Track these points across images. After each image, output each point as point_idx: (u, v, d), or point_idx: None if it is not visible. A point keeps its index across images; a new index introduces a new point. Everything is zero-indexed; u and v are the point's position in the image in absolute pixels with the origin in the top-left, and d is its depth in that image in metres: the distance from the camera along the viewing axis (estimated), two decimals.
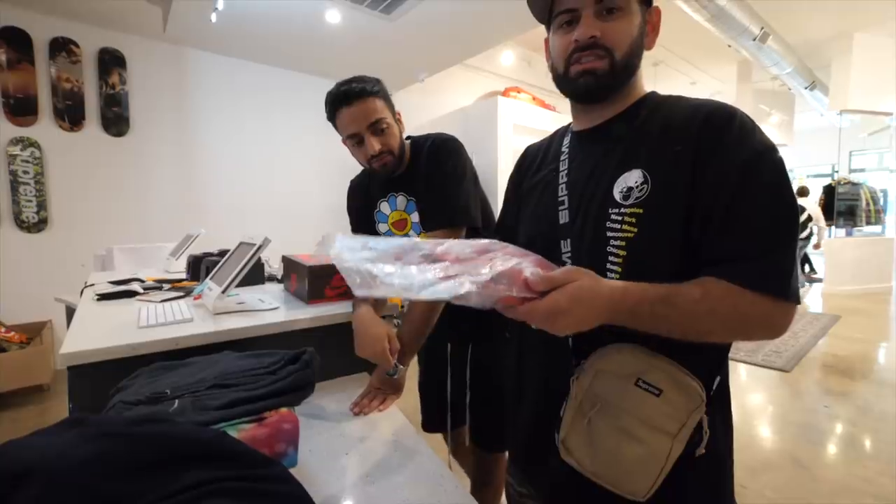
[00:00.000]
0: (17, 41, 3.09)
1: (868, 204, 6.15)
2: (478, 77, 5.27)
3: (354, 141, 1.08)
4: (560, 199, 0.68)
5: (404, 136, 1.16)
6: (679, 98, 0.64)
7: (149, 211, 3.62)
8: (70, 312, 2.33)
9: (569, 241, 0.65)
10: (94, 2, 3.02)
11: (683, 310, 0.52)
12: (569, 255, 0.65)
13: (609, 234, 0.60)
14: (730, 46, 4.37)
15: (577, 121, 0.72)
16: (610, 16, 0.60)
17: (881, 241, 6.21)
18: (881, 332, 4.34)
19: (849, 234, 6.43)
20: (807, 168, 9.38)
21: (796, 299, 0.53)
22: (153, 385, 0.71)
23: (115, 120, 3.46)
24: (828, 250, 6.14)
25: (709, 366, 0.59)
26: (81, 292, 1.67)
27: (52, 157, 3.24)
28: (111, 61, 3.42)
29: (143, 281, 1.61)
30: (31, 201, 3.17)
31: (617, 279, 0.59)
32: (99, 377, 0.84)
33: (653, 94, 0.67)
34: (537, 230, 0.72)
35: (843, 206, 6.17)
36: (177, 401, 0.65)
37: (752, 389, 2.96)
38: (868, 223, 6.23)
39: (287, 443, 0.62)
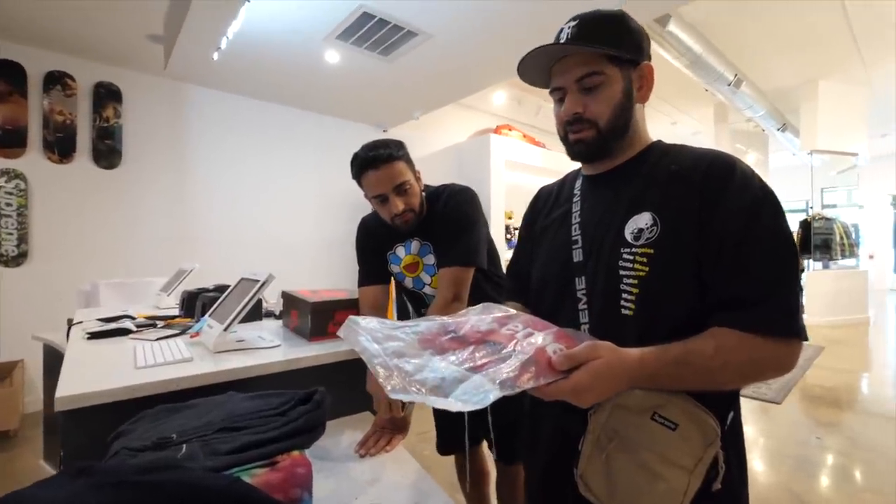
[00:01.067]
0: (11, 74, 3.10)
1: (842, 238, 6.39)
2: (470, 115, 5.43)
3: (379, 200, 1.17)
4: (574, 238, 0.70)
5: (422, 189, 1.26)
6: (683, 147, 0.69)
7: (137, 245, 3.54)
8: (49, 351, 2.23)
9: (583, 278, 0.67)
10: (95, 39, 3.07)
11: (698, 367, 0.55)
12: (583, 291, 0.67)
13: (622, 272, 0.62)
14: (707, 90, 4.64)
15: (586, 168, 0.76)
16: (590, 92, 0.66)
17: (857, 273, 6.44)
18: (862, 362, 4.45)
19: (825, 266, 6.64)
20: (783, 204, 9.77)
21: (804, 336, 0.56)
22: (158, 429, 0.68)
23: (107, 153, 3.44)
24: (808, 283, 6.32)
25: (723, 401, 0.61)
26: (68, 332, 1.61)
27: (37, 189, 3.18)
28: (107, 95, 3.43)
29: (133, 318, 1.57)
30: (11, 234, 3.08)
31: (631, 315, 0.61)
32: (95, 421, 0.80)
33: (659, 143, 0.71)
34: (551, 268, 0.73)
35: (818, 240, 6.40)
36: (184, 445, 0.62)
37: (744, 422, 2.94)
38: (843, 256, 6.45)
39: (301, 488, 0.60)
